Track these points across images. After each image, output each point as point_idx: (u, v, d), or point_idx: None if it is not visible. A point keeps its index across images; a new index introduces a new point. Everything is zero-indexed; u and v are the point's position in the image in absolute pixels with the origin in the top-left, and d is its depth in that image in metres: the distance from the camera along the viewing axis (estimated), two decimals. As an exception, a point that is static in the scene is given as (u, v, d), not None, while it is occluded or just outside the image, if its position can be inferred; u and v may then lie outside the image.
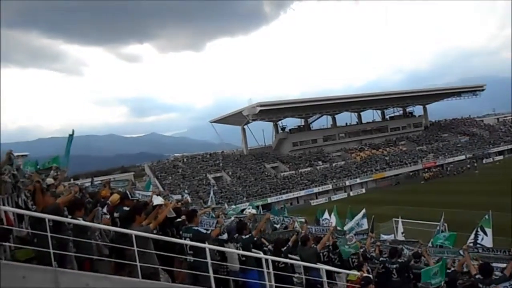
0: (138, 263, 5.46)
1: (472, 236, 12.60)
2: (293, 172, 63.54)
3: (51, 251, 4.86)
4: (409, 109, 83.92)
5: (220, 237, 7.52)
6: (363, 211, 16.94)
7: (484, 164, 66.18)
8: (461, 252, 9.79)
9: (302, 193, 58.72)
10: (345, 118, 79.97)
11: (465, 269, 9.07)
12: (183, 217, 7.56)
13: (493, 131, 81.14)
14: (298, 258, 8.50)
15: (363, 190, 60.90)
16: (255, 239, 7.73)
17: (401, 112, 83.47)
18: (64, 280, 4.71)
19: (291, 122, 75.29)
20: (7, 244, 5.74)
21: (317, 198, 58.18)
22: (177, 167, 63.29)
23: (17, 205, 7.10)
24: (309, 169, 64.82)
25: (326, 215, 18.42)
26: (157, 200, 7.35)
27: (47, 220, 5.00)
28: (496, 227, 12.97)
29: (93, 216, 6.87)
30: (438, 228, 15.70)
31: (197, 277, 6.34)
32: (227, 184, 59.40)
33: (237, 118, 67.07)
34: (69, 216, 5.93)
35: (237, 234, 7.60)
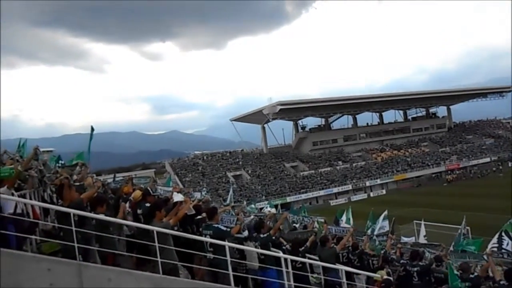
0: (159, 259, 5.53)
1: (495, 240, 12.24)
2: (313, 171, 63.24)
3: (76, 245, 4.97)
4: (432, 110, 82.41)
5: (239, 235, 7.55)
6: (385, 212, 16.74)
7: (510, 167, 64.37)
8: (484, 257, 9.56)
9: (322, 193, 58.40)
10: (367, 118, 79.24)
11: (490, 274, 8.84)
12: (204, 214, 7.61)
13: (519, 133, 78.89)
14: (317, 258, 8.47)
15: (384, 191, 60.17)
16: (273, 238, 7.73)
17: (424, 112, 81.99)
18: (88, 273, 4.81)
19: (311, 122, 74.99)
20: (33, 237, 5.92)
21: (336, 198, 57.78)
22: (197, 165, 63.79)
23: (43, 199, 7.30)
24: (329, 169, 64.39)
25: (345, 216, 18.30)
26: (178, 197, 7.43)
27: (72, 215, 5.11)
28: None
29: (123, 211, 6.95)
30: (459, 231, 15.37)
31: (216, 274, 6.38)
32: (246, 183, 59.54)
33: (257, 117, 67.13)
34: (92, 212, 6.05)
35: (255, 233, 7.61)
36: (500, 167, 62.79)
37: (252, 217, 11.74)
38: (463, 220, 15.91)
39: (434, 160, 67.52)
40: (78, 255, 5.00)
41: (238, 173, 62.39)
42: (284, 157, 68.31)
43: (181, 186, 46.50)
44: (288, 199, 54.47)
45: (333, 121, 76.41)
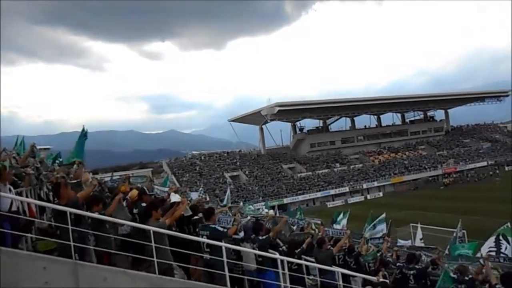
0: (155, 259, 5.51)
1: (493, 244, 12.22)
2: (310, 173, 63.26)
3: (72, 243, 4.94)
4: (430, 113, 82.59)
5: (236, 236, 7.53)
6: (383, 215, 16.75)
7: (506, 171, 64.58)
8: (481, 261, 9.57)
9: (319, 194, 58.41)
10: (364, 120, 79.37)
11: (486, 278, 8.85)
12: (200, 215, 7.60)
13: (516, 137, 79.16)
14: (313, 260, 8.46)
15: (381, 194, 60.21)
16: (272, 240, 7.72)
17: (422, 116, 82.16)
18: (83, 272, 4.78)
19: (309, 123, 75.18)
20: (29, 235, 5.89)
21: (333, 200, 57.80)
22: (194, 165, 63.72)
23: (39, 197, 7.26)
24: (326, 170, 64.44)
25: (341, 217, 18.30)
26: (175, 198, 7.41)
27: (68, 213, 5.08)
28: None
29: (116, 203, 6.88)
30: (454, 234, 15.37)
31: (212, 275, 6.37)
32: (243, 183, 59.51)
33: (255, 118, 67.13)
34: (88, 211, 6.01)
35: (253, 235, 7.60)
36: (497, 171, 62.99)
37: (248, 218, 11.73)
38: (458, 223, 15.92)
39: (431, 164, 67.68)
40: (74, 254, 4.98)
41: (235, 173, 62.35)
42: (282, 158, 68.32)
43: (178, 185, 46.44)
44: (285, 201, 54.49)
45: (331, 123, 76.47)
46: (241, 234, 7.78)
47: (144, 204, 7.35)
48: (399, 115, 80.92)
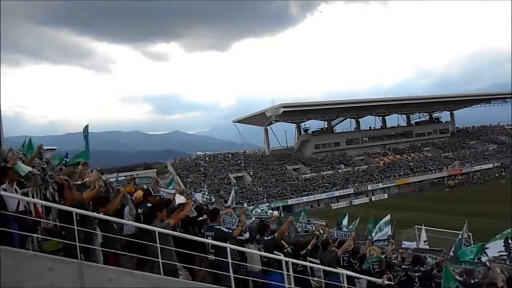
0: (160, 260, 5.52)
1: (502, 248, 12.01)
2: (315, 174, 63.17)
3: (77, 244, 4.96)
4: (435, 115, 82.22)
5: (240, 237, 7.52)
6: (388, 217, 16.66)
7: (512, 173, 64.17)
8: (487, 263, 9.49)
9: (323, 196, 58.31)
10: (369, 122, 79.15)
11: (492, 281, 8.78)
12: (205, 216, 7.60)
13: (523, 139, 78.59)
14: (318, 261, 8.44)
15: (385, 196, 60.01)
16: (277, 241, 7.70)
17: (427, 117, 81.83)
18: (89, 273, 4.80)
19: (314, 124, 75.10)
20: (35, 235, 5.92)
21: (338, 201, 57.72)
22: (199, 166, 63.83)
23: (45, 197, 7.30)
24: (331, 172, 64.33)
25: (346, 220, 18.19)
26: (180, 199, 7.42)
27: (74, 214, 5.10)
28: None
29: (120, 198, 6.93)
30: (459, 237, 15.22)
31: (217, 276, 6.37)
32: (248, 184, 59.52)
33: (260, 119, 67.17)
34: (94, 211, 6.04)
35: (258, 235, 7.59)
36: (503, 173, 62.53)
37: (253, 219, 11.74)
38: (464, 225, 15.79)
39: (436, 165, 67.36)
40: (80, 254, 5.00)
41: (240, 174, 62.39)
42: (286, 159, 68.28)
43: (183, 186, 46.53)
44: (290, 202, 54.46)
45: (336, 125, 76.36)
46: (246, 235, 7.78)
47: (149, 205, 7.37)
48: (404, 116, 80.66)
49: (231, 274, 6.21)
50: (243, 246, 7.48)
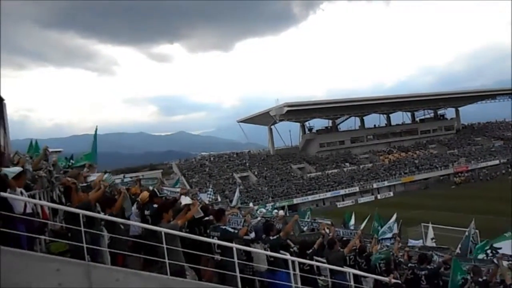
0: (167, 260, 5.54)
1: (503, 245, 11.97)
2: (320, 173, 63.09)
3: (85, 245, 4.99)
4: (440, 112, 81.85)
5: (246, 236, 7.53)
6: (394, 216, 16.64)
7: (519, 169, 63.73)
8: (495, 260, 9.44)
9: (328, 194, 58.23)
10: (374, 119, 78.97)
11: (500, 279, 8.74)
12: (211, 216, 7.61)
13: (529, 135, 78.01)
14: (324, 260, 8.43)
15: (391, 194, 59.84)
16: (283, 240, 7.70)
17: (432, 114, 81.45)
18: (96, 274, 4.82)
19: (318, 123, 74.93)
20: (43, 237, 5.96)
21: (343, 200, 57.60)
22: (204, 166, 63.94)
23: (51, 199, 7.35)
24: (336, 170, 64.21)
25: (353, 220, 18.18)
26: (186, 200, 7.45)
27: (81, 216, 5.13)
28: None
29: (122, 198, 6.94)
30: (466, 233, 15.15)
31: (223, 276, 6.39)
32: (253, 184, 59.55)
33: (264, 118, 67.17)
34: (101, 213, 6.08)
35: (264, 235, 7.59)
36: (510, 169, 62.14)
37: (259, 218, 11.74)
38: (471, 222, 15.71)
39: (442, 162, 67.04)
40: (87, 256, 5.03)
41: (245, 174, 62.42)
42: (291, 158, 68.23)
43: (188, 187, 46.62)
44: (295, 201, 54.39)
45: (340, 123, 76.19)
46: (252, 234, 7.78)
47: (155, 206, 7.40)
48: (409, 114, 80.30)
49: (238, 274, 6.23)
50: (249, 246, 7.49)
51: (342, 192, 58.72)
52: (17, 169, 5.89)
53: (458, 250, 13.81)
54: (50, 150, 9.01)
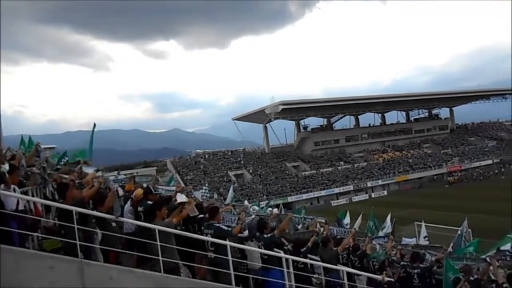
0: (160, 258, 5.53)
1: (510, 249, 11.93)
2: (314, 171, 63.21)
3: (78, 242, 4.97)
4: (435, 111, 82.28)
5: (240, 234, 7.54)
6: (389, 216, 16.74)
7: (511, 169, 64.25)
8: (487, 259, 9.51)
9: (323, 193, 58.37)
10: (369, 118, 79.30)
11: (492, 277, 8.81)
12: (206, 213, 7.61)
13: (522, 136, 78.63)
14: (318, 258, 8.46)
15: (385, 192, 60.13)
16: (277, 238, 7.72)
17: (427, 114, 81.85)
18: (89, 271, 4.81)
19: (313, 122, 75.01)
20: (35, 234, 5.92)
21: (337, 198, 57.73)
22: (198, 163, 63.83)
23: (45, 196, 7.29)
24: (330, 169, 64.36)
25: (347, 218, 18.22)
26: (181, 198, 7.42)
27: (74, 213, 5.11)
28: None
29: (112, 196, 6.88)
30: (459, 232, 15.25)
31: (217, 273, 6.38)
32: (247, 182, 59.55)
33: (259, 116, 67.12)
34: (94, 210, 6.04)
35: (258, 233, 7.60)
36: (502, 169, 62.73)
37: (253, 216, 11.74)
38: (464, 221, 15.82)
39: (436, 162, 67.41)
40: (80, 253, 5.00)
41: (239, 172, 62.38)
42: (286, 156, 68.30)
43: (182, 185, 46.49)
44: (289, 199, 54.49)
45: (335, 122, 76.40)
46: (246, 232, 7.79)
47: (150, 203, 7.37)
48: (403, 113, 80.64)
49: (232, 272, 6.23)
50: (243, 244, 7.49)
51: (336, 190, 58.86)
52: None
53: (450, 249, 13.90)
54: (43, 146, 8.95)
